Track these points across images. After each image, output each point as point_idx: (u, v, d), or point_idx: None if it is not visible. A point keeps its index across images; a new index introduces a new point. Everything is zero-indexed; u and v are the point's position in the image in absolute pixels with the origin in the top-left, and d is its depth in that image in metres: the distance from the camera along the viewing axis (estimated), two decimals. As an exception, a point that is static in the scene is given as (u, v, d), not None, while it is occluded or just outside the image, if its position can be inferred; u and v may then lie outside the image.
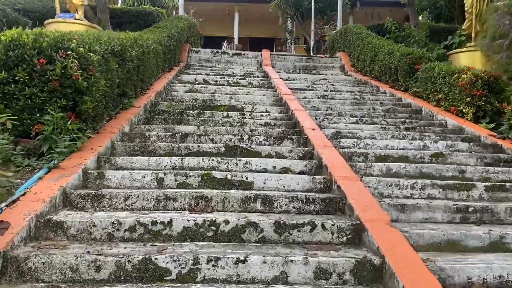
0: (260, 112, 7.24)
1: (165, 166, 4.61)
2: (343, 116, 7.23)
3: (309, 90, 9.29)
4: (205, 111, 6.89)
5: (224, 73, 10.58)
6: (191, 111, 6.85)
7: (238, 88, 8.87)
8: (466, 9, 10.05)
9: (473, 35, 9.89)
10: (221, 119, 6.48)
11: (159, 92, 7.81)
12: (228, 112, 6.93)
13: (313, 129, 5.84)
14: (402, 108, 8.15)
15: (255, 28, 32.96)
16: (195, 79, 9.61)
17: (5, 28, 7.31)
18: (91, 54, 4.55)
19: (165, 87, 8.37)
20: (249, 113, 7.01)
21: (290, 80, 10.35)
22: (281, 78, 10.05)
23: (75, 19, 9.24)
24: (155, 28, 10.25)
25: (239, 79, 9.89)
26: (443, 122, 7.12)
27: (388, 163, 4.94)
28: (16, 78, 4.28)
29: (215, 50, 12.83)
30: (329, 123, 6.83)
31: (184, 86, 8.75)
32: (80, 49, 4.46)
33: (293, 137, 5.71)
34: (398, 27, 11.67)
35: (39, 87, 4.30)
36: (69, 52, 4.36)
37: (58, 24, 9.09)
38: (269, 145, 5.53)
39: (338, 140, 5.76)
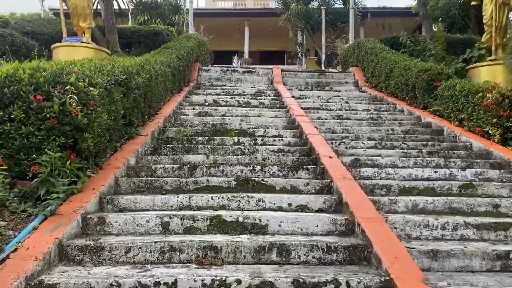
0: (273, 136, 6.85)
1: (171, 206, 4.25)
2: (360, 139, 6.81)
3: (323, 109, 8.90)
4: (215, 137, 6.53)
5: (234, 93, 10.26)
6: (200, 138, 6.50)
7: (249, 109, 8.51)
8: (485, 21, 9.58)
9: (493, 48, 9.40)
10: (231, 146, 6.11)
11: (167, 116, 7.50)
12: (239, 138, 6.56)
13: (330, 157, 5.44)
14: (422, 128, 7.68)
15: (265, 42, 32.78)
16: (205, 100, 9.30)
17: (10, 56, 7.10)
18: (92, 88, 4.22)
19: (174, 110, 8.06)
20: (261, 138, 6.63)
21: (303, 98, 9.97)
22: (293, 97, 9.69)
23: (82, 42, 9.01)
24: (164, 49, 10.00)
25: (250, 99, 9.54)
26: (467, 144, 6.64)
27: (414, 198, 4.50)
28: (12, 116, 3.97)
29: (225, 68, 12.53)
30: (346, 147, 6.41)
31: (194, 109, 8.43)
32: (80, 83, 4.14)
33: (309, 166, 5.30)
34: (413, 41, 11.22)
35: (36, 125, 3.98)
36: (68, 87, 4.04)
37: (65, 48, 8.88)
38: (283, 176, 5.14)
39: (358, 169, 5.33)
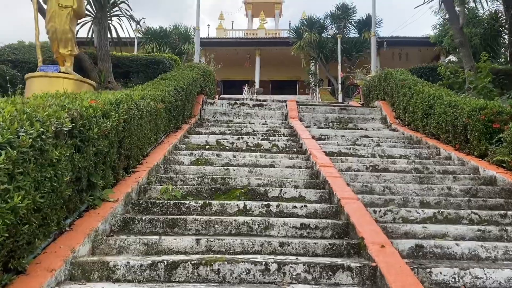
0: (292, 199, 4.95)
1: None
2: (410, 205, 4.87)
3: (351, 155, 7.00)
4: (213, 201, 4.63)
5: (242, 131, 8.44)
6: (193, 202, 4.60)
7: (259, 155, 6.65)
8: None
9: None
10: (234, 220, 4.19)
11: (155, 167, 5.67)
12: (246, 202, 4.64)
13: (382, 246, 3.50)
14: (486, 186, 5.69)
15: (276, 71, 31.27)
16: (206, 141, 7.48)
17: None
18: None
19: (165, 157, 6.24)
20: (276, 202, 4.71)
21: (324, 139, 8.11)
22: (312, 137, 7.82)
23: (60, 72, 7.32)
24: (160, 80, 8.28)
25: (261, 140, 7.71)
26: None
27: None
28: None
29: (232, 101, 10.77)
30: (394, 218, 4.47)
31: (191, 154, 6.60)
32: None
33: (351, 264, 3.34)
34: (452, 71, 9.34)
35: None
36: None
37: (39, 79, 7.20)
38: (314, 282, 3.20)
39: (425, 268, 3.36)
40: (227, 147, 7.11)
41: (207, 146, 7.10)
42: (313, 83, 26.02)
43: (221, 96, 21.20)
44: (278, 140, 7.81)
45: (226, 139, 7.72)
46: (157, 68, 10.93)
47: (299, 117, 9.89)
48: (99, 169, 4.15)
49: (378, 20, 23.90)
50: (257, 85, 29.14)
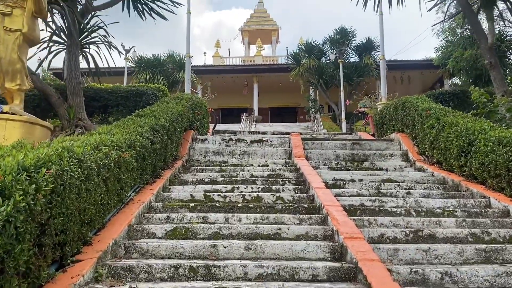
0: (311, 306, 3.12)
1: None
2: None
3: (380, 211, 5.18)
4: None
5: (238, 177, 6.66)
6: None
7: (259, 218, 4.84)
8: None
9: None
10: None
11: (111, 246, 3.86)
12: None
13: None
14: None
15: (275, 98, 29.71)
16: (191, 195, 5.67)
17: None
18: None
19: (131, 227, 4.43)
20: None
21: (339, 185, 6.32)
22: (324, 184, 6.03)
23: (2, 112, 5.58)
24: (135, 117, 6.54)
25: (261, 191, 5.93)
26: None
27: None
28: None
29: (227, 137, 9.02)
30: None
31: (168, 220, 4.79)
32: None
33: None
34: (487, 98, 7.61)
35: None
36: None
37: (-25, 121, 5.44)
38: None
39: None
40: (218, 204, 5.29)
41: (192, 204, 5.27)
42: (313, 109, 24.41)
43: (218, 127, 19.51)
44: (283, 190, 6.01)
45: (218, 190, 5.93)
46: (140, 101, 9.25)
47: (306, 155, 8.13)
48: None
49: (379, 44, 22.51)
50: (255, 113, 27.58)
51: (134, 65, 21.97)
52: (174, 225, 4.50)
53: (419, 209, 5.29)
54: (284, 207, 5.24)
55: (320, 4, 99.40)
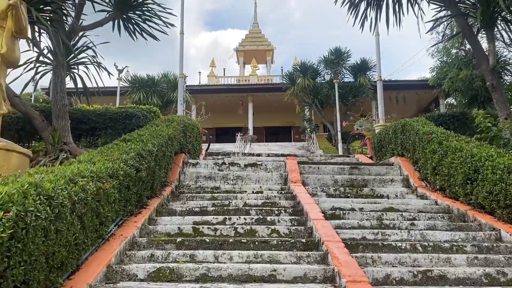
0: None
1: None
2: None
3: (383, 245, 4.75)
4: None
5: (230, 206, 6.22)
6: None
7: (253, 256, 4.39)
8: None
9: None
10: None
11: (84, 294, 3.39)
12: None
13: None
14: None
15: (270, 117, 29.43)
16: (179, 228, 5.22)
17: None
18: None
19: (110, 268, 3.96)
20: None
21: (339, 215, 5.89)
22: (323, 214, 5.61)
23: (-26, 138, 5.17)
24: (120, 142, 6.13)
25: (255, 222, 5.50)
26: None
27: None
28: None
29: (220, 161, 8.61)
30: None
31: (152, 258, 4.33)
32: None
33: None
34: (492, 122, 7.26)
35: None
36: None
37: None
38: None
39: None
40: (207, 239, 4.84)
41: (179, 239, 4.82)
42: (308, 129, 24.13)
43: (212, 146, 19.09)
44: (278, 221, 5.58)
45: (208, 222, 5.48)
46: (129, 123, 8.86)
47: (302, 180, 7.72)
48: None
49: (374, 64, 22.40)
50: (250, 132, 27.24)
51: (128, 85, 21.67)
52: (158, 265, 4.04)
53: (426, 243, 4.86)
54: (279, 242, 4.80)
55: (315, 24, 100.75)
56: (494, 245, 4.89)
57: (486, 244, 4.91)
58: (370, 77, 23.02)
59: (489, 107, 20.65)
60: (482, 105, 19.78)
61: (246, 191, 7.23)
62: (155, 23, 8.97)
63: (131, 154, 5.47)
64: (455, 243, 4.92)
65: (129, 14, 8.81)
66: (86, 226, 3.92)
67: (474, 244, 4.89)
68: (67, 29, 8.17)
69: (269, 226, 5.28)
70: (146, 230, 5.19)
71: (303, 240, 4.86)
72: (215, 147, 22.57)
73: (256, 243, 4.76)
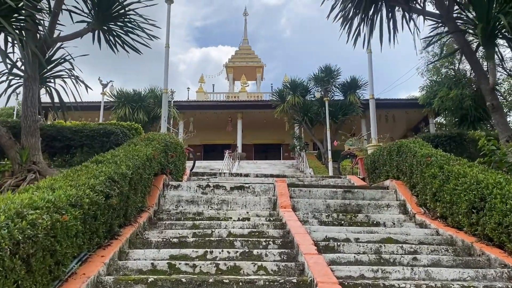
0: None
1: None
2: None
3: (385, 286, 4.14)
4: None
5: (213, 236, 5.58)
6: None
7: (236, 301, 3.74)
8: None
9: None
10: None
11: None
12: None
13: None
14: None
15: (260, 135, 28.91)
16: (153, 264, 4.55)
17: None
18: None
19: (61, 320, 3.26)
20: None
21: (333, 247, 5.28)
22: (316, 248, 4.99)
23: None
24: (91, 164, 5.47)
25: (239, 257, 4.86)
26: None
27: None
28: None
29: (204, 183, 7.97)
30: None
31: (116, 304, 3.64)
32: None
33: None
34: (496, 145, 6.77)
35: None
36: None
37: None
38: None
39: None
40: (184, 279, 4.16)
41: (151, 279, 4.14)
42: (298, 147, 23.64)
43: (199, 164, 18.40)
44: (266, 255, 4.94)
45: (186, 256, 4.82)
46: (107, 141, 8.21)
47: (292, 205, 7.13)
48: None
49: (364, 82, 22.17)
50: (239, 149, 26.64)
51: (113, 100, 21.00)
52: (122, 317, 3.36)
53: (432, 284, 4.26)
54: (267, 282, 4.15)
55: (305, 42, 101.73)
56: (509, 285, 4.31)
57: (499, 285, 4.33)
58: (360, 95, 22.77)
59: (479, 127, 20.45)
60: (472, 124, 19.55)
61: (231, 218, 6.59)
62: (138, 35, 8.41)
63: (101, 178, 4.81)
64: (465, 283, 4.33)
65: (109, 25, 8.24)
66: (36, 269, 3.24)
67: (487, 285, 4.31)
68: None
69: (255, 262, 4.64)
70: (115, 266, 4.50)
71: (294, 280, 4.22)
72: (202, 164, 21.90)
73: (240, 283, 4.11)
